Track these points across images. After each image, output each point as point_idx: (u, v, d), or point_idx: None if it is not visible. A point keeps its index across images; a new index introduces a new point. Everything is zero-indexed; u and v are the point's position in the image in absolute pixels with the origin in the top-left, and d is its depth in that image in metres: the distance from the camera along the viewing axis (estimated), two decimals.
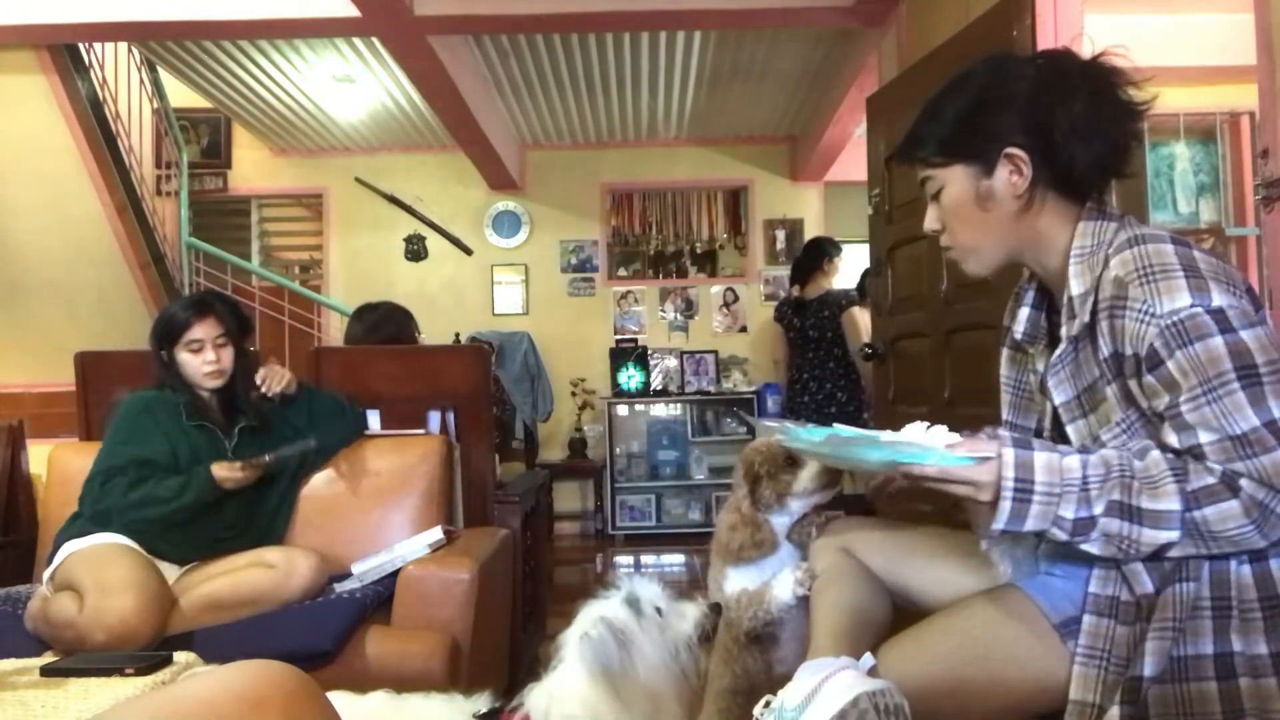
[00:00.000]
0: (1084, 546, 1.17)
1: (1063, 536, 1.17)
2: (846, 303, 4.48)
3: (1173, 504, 1.12)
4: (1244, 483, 1.10)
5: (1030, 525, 1.16)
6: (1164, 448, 1.17)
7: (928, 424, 1.27)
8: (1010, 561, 1.33)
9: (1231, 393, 1.11)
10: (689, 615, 1.47)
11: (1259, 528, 1.11)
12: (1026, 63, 1.35)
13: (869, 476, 1.41)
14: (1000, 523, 1.17)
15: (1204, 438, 1.13)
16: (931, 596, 1.46)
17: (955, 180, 1.35)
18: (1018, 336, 1.43)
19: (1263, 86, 1.94)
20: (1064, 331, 1.29)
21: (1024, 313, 1.43)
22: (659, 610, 1.44)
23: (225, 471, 2.24)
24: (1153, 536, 1.14)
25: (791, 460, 1.74)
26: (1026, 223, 1.33)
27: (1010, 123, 1.29)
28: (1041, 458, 1.17)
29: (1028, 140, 1.28)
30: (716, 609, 1.52)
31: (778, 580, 1.64)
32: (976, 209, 1.34)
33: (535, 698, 1.41)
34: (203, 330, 2.34)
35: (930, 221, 1.41)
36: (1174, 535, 1.13)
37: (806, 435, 1.33)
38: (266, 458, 2.31)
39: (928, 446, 1.21)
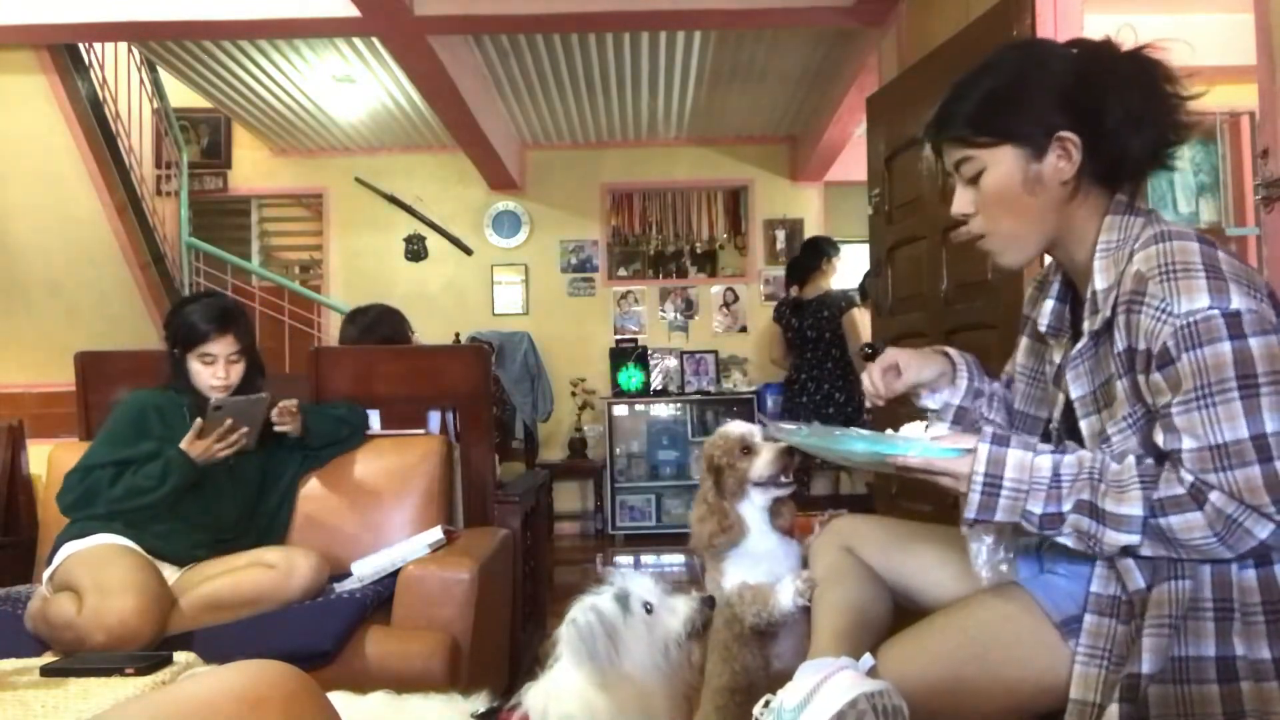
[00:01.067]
0: (1057, 539, 1.22)
1: (1032, 529, 1.21)
2: (846, 304, 4.48)
3: (1135, 509, 1.15)
4: (1213, 495, 1.11)
5: (999, 517, 1.21)
6: (1153, 446, 1.18)
7: (926, 424, 1.28)
8: (987, 557, 1.34)
9: (1228, 401, 1.11)
10: (680, 611, 1.47)
11: (1222, 540, 1.12)
12: (1064, 48, 1.32)
13: (867, 475, 1.44)
14: (970, 513, 1.21)
15: (1185, 444, 1.13)
16: (932, 595, 1.46)
17: (1002, 162, 1.29)
18: (1042, 329, 1.40)
19: (1263, 86, 1.94)
20: (1086, 326, 1.28)
21: (1049, 305, 1.39)
22: (648, 607, 1.44)
23: (192, 444, 2.23)
24: (1114, 538, 1.17)
25: (747, 449, 1.78)
26: (1068, 212, 1.30)
27: (1053, 106, 1.26)
28: (1014, 455, 1.20)
29: (1075, 126, 1.25)
30: (710, 602, 1.52)
31: (780, 587, 1.65)
32: (1024, 193, 1.28)
33: (533, 696, 1.40)
34: (219, 347, 2.35)
35: (963, 205, 1.34)
36: (1134, 539, 1.16)
37: (797, 433, 1.39)
38: (214, 405, 2.27)
39: (911, 438, 1.25)
